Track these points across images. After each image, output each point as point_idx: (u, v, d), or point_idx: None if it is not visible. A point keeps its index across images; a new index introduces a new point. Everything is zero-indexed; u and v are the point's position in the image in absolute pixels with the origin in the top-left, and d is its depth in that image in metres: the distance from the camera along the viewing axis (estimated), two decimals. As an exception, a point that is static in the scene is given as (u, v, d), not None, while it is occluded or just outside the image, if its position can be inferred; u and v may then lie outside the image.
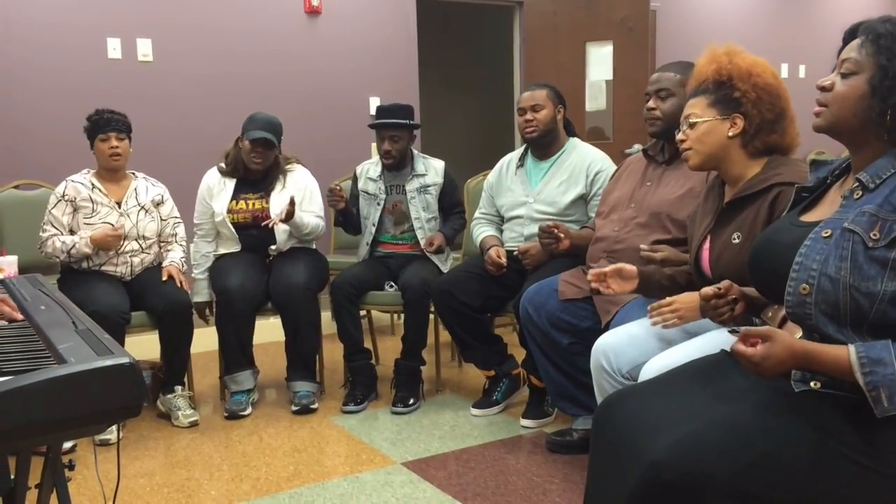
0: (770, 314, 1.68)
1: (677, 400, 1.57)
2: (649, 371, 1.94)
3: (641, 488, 1.41)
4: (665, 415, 1.52)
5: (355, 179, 3.67)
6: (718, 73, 2.06)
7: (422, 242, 3.51)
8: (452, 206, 3.62)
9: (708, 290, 1.77)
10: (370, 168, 3.63)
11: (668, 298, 2.05)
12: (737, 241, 1.98)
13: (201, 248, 3.51)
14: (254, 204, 3.44)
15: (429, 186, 3.54)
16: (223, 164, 3.49)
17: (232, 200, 3.43)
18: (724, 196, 2.12)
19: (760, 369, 1.43)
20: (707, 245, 2.08)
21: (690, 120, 2.09)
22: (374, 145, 5.14)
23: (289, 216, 3.27)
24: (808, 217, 1.58)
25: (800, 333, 1.51)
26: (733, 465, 1.35)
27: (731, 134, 2.05)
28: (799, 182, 1.69)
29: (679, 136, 2.13)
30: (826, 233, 1.43)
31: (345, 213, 3.54)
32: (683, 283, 2.20)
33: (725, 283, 1.77)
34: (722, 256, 2.01)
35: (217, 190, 3.46)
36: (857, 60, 1.45)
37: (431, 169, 3.56)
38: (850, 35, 1.53)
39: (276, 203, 3.41)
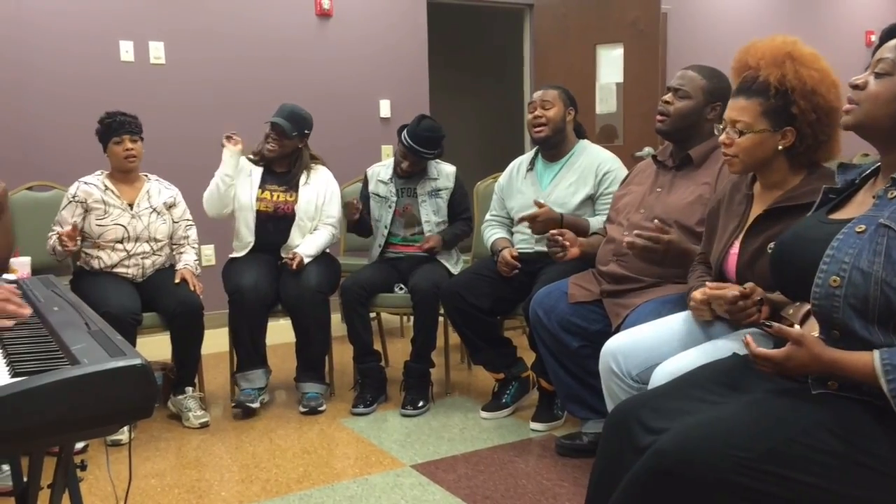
0: (791, 311, 1.66)
1: (690, 403, 1.56)
2: (660, 375, 1.93)
3: (642, 475, 1.41)
4: (676, 415, 1.52)
5: (366, 182, 3.69)
6: (781, 82, 1.93)
7: None
8: (460, 212, 3.62)
9: (733, 292, 1.74)
10: (381, 171, 3.64)
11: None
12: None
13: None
14: (278, 196, 3.48)
15: (440, 191, 3.55)
16: (251, 154, 3.56)
17: (258, 189, 3.47)
18: (752, 199, 2.07)
19: (781, 370, 1.43)
20: (734, 251, 2.03)
21: (739, 128, 1.96)
22: (384, 147, 5.17)
23: (300, 266, 3.33)
24: (838, 216, 1.57)
25: (817, 331, 1.49)
26: (736, 459, 1.34)
27: (780, 147, 1.97)
28: None
29: (723, 139, 2.01)
30: (860, 228, 1.43)
31: (357, 221, 3.56)
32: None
33: (749, 284, 1.75)
34: (756, 265, 1.94)
35: (244, 174, 3.50)
36: (893, 61, 1.45)
37: (443, 174, 3.57)
38: (888, 34, 1.52)
39: (305, 197, 3.46)
